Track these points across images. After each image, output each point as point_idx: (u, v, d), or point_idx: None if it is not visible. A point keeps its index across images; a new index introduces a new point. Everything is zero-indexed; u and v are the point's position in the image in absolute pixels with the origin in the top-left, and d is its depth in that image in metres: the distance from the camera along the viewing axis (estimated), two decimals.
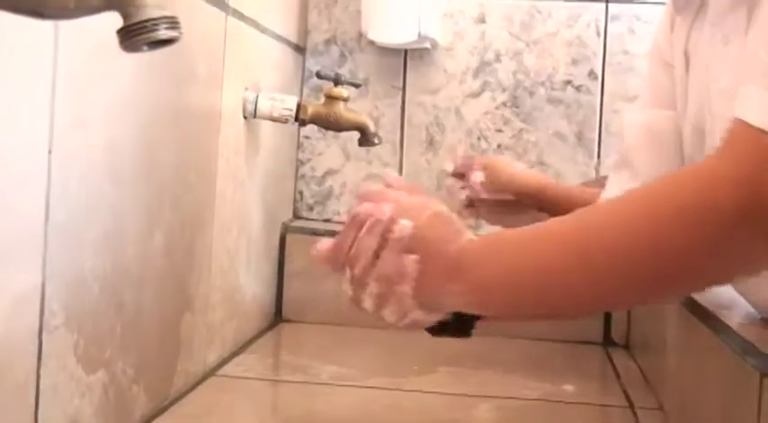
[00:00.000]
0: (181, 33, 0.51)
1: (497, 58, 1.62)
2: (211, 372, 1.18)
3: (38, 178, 0.73)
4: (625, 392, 1.21)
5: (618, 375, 1.32)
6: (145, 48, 0.50)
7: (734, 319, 0.88)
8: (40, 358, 0.74)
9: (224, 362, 1.23)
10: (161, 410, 1.01)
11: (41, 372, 0.74)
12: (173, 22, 0.50)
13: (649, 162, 1.08)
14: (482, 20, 1.63)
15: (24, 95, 0.70)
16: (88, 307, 0.82)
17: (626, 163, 1.11)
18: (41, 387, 0.75)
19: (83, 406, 0.82)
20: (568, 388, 1.21)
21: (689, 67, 1.00)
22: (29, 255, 0.72)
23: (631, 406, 1.15)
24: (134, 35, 0.49)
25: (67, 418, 0.80)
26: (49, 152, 0.73)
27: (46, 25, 0.71)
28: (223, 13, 1.15)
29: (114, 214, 0.87)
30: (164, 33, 0.50)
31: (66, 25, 0.72)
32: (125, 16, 0.49)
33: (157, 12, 0.49)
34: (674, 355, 1.08)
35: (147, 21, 0.49)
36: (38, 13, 0.49)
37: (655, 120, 1.08)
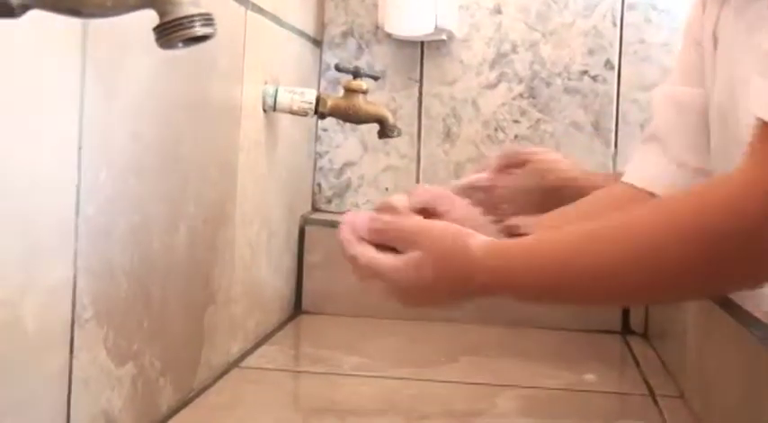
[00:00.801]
0: (216, 30, 0.51)
1: (514, 49, 1.63)
2: (234, 363, 1.19)
3: (69, 174, 0.74)
4: (645, 381, 1.22)
5: (637, 363, 1.33)
6: (180, 44, 0.51)
7: (756, 307, 0.89)
8: (72, 351, 0.75)
9: (247, 354, 1.24)
10: (186, 402, 1.02)
11: (74, 364, 0.76)
12: (208, 19, 0.51)
13: (678, 137, 1.08)
14: (498, 11, 1.63)
15: (55, 92, 0.71)
16: (117, 300, 0.83)
17: (655, 137, 1.11)
18: (74, 379, 0.76)
19: (113, 398, 0.83)
20: (589, 377, 1.21)
21: (717, 49, 1.00)
22: (61, 248, 0.73)
23: (652, 394, 1.16)
24: (171, 32, 0.50)
25: (99, 410, 0.81)
26: (80, 148, 0.74)
27: (74, 22, 0.72)
28: (243, 8, 1.15)
29: (140, 208, 0.88)
30: (199, 30, 0.50)
31: (93, 21, 0.72)
32: (161, 14, 0.50)
33: (193, 9, 0.50)
34: (694, 343, 1.09)
35: (183, 18, 0.50)
36: (76, 11, 0.50)
37: (684, 96, 1.08)
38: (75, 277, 0.75)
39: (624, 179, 1.13)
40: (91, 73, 0.75)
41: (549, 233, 0.89)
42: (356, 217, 0.89)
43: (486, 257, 0.83)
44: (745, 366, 0.83)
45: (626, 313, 1.52)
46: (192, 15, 0.50)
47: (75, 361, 0.76)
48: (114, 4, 0.50)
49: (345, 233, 0.89)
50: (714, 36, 1.01)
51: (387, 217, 0.89)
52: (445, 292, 0.86)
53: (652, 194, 1.08)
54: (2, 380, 0.66)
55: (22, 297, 0.67)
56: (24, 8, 0.50)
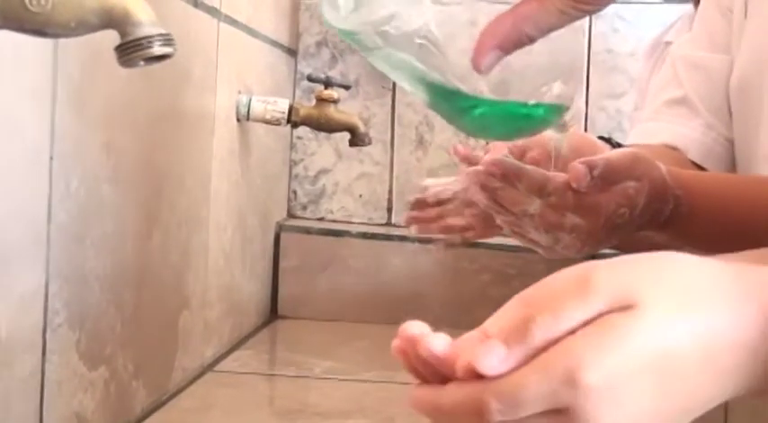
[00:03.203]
0: (175, 49, 0.54)
1: None
2: (209, 367, 1.22)
3: (40, 183, 0.76)
4: None
5: None
6: (141, 63, 0.54)
7: None
8: (44, 354, 0.78)
9: (221, 358, 1.27)
10: (160, 405, 1.04)
11: (46, 367, 0.78)
12: (167, 39, 0.54)
13: (706, 101, 1.07)
14: (473, 23, 1.66)
15: (27, 104, 0.74)
16: (89, 305, 0.86)
17: (685, 101, 1.09)
18: (46, 382, 0.78)
19: (86, 400, 0.86)
20: None
21: (747, 18, 1.01)
22: (33, 255, 0.76)
23: None
24: (131, 52, 0.53)
25: (71, 412, 0.83)
26: (51, 158, 0.77)
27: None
28: (215, 20, 1.18)
29: (113, 215, 0.90)
30: (159, 50, 0.53)
31: None
32: (122, 34, 0.53)
33: (153, 29, 0.53)
34: None
35: (143, 38, 0.53)
36: (41, 32, 0.52)
37: (713, 63, 1.07)
38: (47, 283, 0.77)
39: (644, 140, 1.09)
40: (62, 85, 0.77)
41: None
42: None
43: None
44: None
45: None
46: (152, 35, 0.53)
47: (47, 364, 0.78)
48: (77, 25, 0.52)
49: None
50: (746, 5, 1.01)
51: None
52: None
53: (674, 157, 1.05)
54: None
55: None
56: None
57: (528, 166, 0.80)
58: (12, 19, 0.52)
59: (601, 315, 0.45)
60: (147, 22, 0.53)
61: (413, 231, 1.04)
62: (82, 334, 0.84)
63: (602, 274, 0.47)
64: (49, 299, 0.78)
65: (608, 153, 0.82)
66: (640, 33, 1.60)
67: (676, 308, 0.46)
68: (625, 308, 0.45)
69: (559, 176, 0.78)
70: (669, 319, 0.46)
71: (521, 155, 0.86)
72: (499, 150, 0.85)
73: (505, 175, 0.79)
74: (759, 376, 0.48)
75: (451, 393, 0.47)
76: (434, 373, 0.48)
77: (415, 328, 0.48)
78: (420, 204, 1.03)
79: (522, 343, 0.45)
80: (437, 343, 0.47)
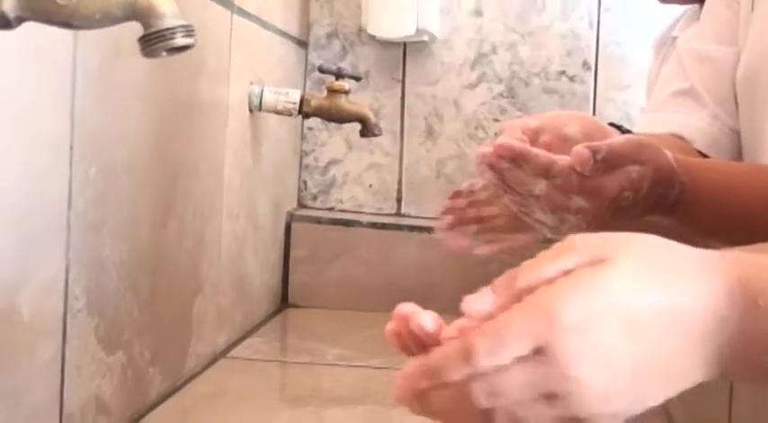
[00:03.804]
0: (195, 40, 0.56)
1: (493, 51, 1.67)
2: (221, 354, 1.24)
3: (61, 170, 0.78)
4: None
5: None
6: (164, 53, 0.56)
7: None
8: (65, 339, 0.80)
9: (233, 345, 1.29)
10: (175, 390, 1.07)
11: (66, 352, 0.80)
12: (188, 30, 0.55)
13: (712, 92, 1.09)
14: (479, 13, 1.68)
15: (48, 95, 0.75)
16: (107, 291, 0.88)
17: (691, 93, 1.10)
18: (66, 366, 0.80)
19: (104, 385, 0.88)
20: None
21: (754, 11, 1.02)
22: (54, 242, 0.78)
23: None
24: (154, 43, 0.55)
25: (90, 396, 0.85)
26: (71, 147, 0.79)
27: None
28: (229, 12, 1.20)
29: (130, 203, 0.92)
30: (180, 41, 0.55)
31: None
32: (145, 26, 0.55)
33: (175, 21, 0.55)
34: None
35: (165, 30, 0.54)
36: (67, 24, 0.54)
37: (720, 54, 1.08)
38: (67, 269, 0.79)
39: (651, 130, 1.10)
40: (81, 76, 0.79)
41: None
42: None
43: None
44: None
45: None
46: (174, 27, 0.55)
47: (67, 349, 0.80)
48: (102, 17, 0.54)
49: None
50: None
51: None
52: None
53: (681, 146, 1.07)
54: (0, 366, 0.70)
55: (18, 288, 0.72)
56: (20, 20, 0.55)
57: (534, 150, 0.83)
58: (39, 11, 0.54)
59: (578, 268, 0.50)
60: (169, 14, 0.54)
61: (444, 223, 1.05)
62: (100, 320, 0.86)
63: (579, 238, 0.51)
64: (69, 285, 0.80)
65: (613, 139, 0.85)
66: (648, 26, 1.61)
67: (647, 266, 0.50)
68: (601, 261, 0.50)
69: (564, 160, 0.81)
70: (641, 275, 0.49)
71: (534, 138, 0.89)
72: (512, 133, 0.87)
73: (513, 158, 0.82)
74: (731, 351, 0.50)
75: (440, 350, 0.50)
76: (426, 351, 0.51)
77: (408, 307, 0.52)
78: (455, 196, 1.06)
79: (508, 290, 0.50)
80: (427, 319, 0.51)
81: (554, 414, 0.48)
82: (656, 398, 0.50)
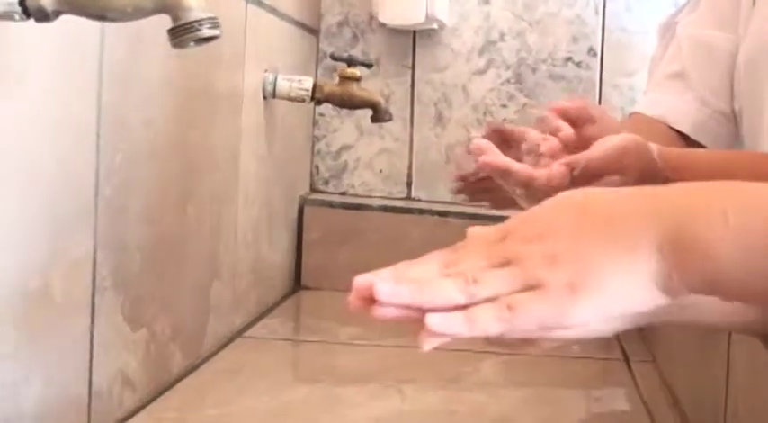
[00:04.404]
0: (221, 31, 0.60)
1: (501, 38, 1.71)
2: (238, 334, 1.28)
3: (88, 157, 0.82)
4: (622, 347, 1.31)
5: None
6: (192, 44, 0.59)
7: None
8: (93, 317, 0.84)
9: (249, 325, 1.33)
10: (194, 367, 1.11)
11: (94, 328, 0.84)
12: (214, 22, 0.59)
13: (704, 77, 1.13)
14: (486, 1, 1.71)
15: (76, 85, 0.79)
16: (131, 272, 0.92)
17: (682, 75, 1.16)
18: (95, 342, 0.84)
19: (129, 359, 0.92)
20: (574, 348, 1.30)
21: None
22: (83, 225, 0.82)
23: (626, 359, 1.25)
24: (183, 34, 0.58)
25: (116, 370, 0.90)
26: (98, 135, 0.83)
27: (94, 22, 0.80)
28: (243, 1, 1.23)
29: (152, 189, 0.96)
30: (207, 32, 0.59)
31: None
32: (174, 18, 0.58)
33: (202, 14, 0.58)
34: None
35: (194, 21, 0.58)
36: (102, 16, 0.58)
37: (717, 41, 1.12)
38: (95, 251, 0.83)
39: (644, 111, 1.17)
40: (107, 67, 0.83)
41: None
42: None
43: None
44: (700, 333, 0.91)
45: None
46: (201, 19, 0.58)
47: (95, 325, 0.84)
48: (133, 10, 0.58)
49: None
50: None
51: None
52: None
53: (674, 131, 1.13)
54: (34, 341, 0.74)
55: (50, 269, 0.76)
56: (57, 14, 0.59)
57: (515, 166, 0.88)
58: (75, 4, 0.58)
59: None
60: (196, 6, 0.58)
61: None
62: (125, 298, 0.90)
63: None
64: (96, 266, 0.84)
65: (596, 148, 0.88)
66: (653, 12, 1.64)
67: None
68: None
69: (543, 177, 0.86)
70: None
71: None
72: (489, 149, 0.92)
73: (494, 173, 0.89)
74: (678, 246, 0.51)
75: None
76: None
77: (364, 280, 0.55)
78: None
79: None
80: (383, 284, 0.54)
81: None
82: (602, 280, 0.51)
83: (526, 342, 0.53)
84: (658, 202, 0.53)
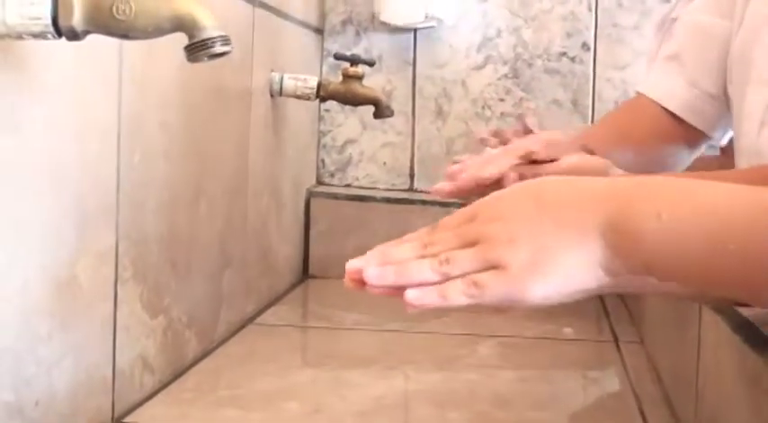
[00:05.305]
0: (232, 47, 0.66)
1: (498, 34, 1.77)
2: (249, 321, 1.35)
3: (110, 156, 0.89)
4: (612, 329, 1.38)
5: (607, 314, 1.48)
6: (206, 59, 0.66)
7: None
8: (116, 304, 0.91)
9: (260, 312, 1.40)
10: (208, 352, 1.17)
11: (117, 315, 0.91)
12: (226, 40, 0.66)
13: (698, 62, 1.19)
14: None
15: (99, 89, 0.86)
16: (149, 263, 0.99)
17: (677, 57, 1.22)
18: (117, 327, 0.91)
19: (148, 345, 0.99)
20: (568, 331, 1.36)
21: None
22: (106, 219, 0.88)
23: (616, 340, 1.31)
24: (197, 51, 0.65)
25: (137, 355, 0.97)
26: (118, 136, 0.90)
27: None
28: (251, 5, 1.30)
29: (167, 186, 1.03)
30: (219, 49, 0.65)
31: None
32: (190, 36, 0.65)
33: (215, 32, 0.65)
34: (652, 298, 1.24)
35: (207, 39, 0.65)
36: (125, 35, 0.65)
37: (714, 28, 1.17)
38: (117, 243, 0.90)
39: (641, 90, 1.25)
40: (126, 72, 0.90)
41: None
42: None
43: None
44: (676, 313, 0.98)
45: None
46: (215, 37, 0.65)
47: (118, 312, 0.91)
48: (153, 30, 0.64)
49: None
50: None
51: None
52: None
53: (665, 109, 1.21)
54: (64, 327, 0.81)
55: (77, 259, 0.83)
56: (86, 33, 0.65)
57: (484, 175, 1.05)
58: (101, 25, 0.65)
59: None
60: (210, 26, 0.65)
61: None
62: (144, 287, 0.97)
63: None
64: (119, 257, 0.91)
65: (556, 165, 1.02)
66: (644, 8, 1.71)
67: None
68: None
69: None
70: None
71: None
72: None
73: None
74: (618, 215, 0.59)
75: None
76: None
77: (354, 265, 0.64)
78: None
79: None
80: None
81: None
82: (556, 262, 0.59)
83: (497, 310, 0.62)
84: (605, 193, 0.60)
